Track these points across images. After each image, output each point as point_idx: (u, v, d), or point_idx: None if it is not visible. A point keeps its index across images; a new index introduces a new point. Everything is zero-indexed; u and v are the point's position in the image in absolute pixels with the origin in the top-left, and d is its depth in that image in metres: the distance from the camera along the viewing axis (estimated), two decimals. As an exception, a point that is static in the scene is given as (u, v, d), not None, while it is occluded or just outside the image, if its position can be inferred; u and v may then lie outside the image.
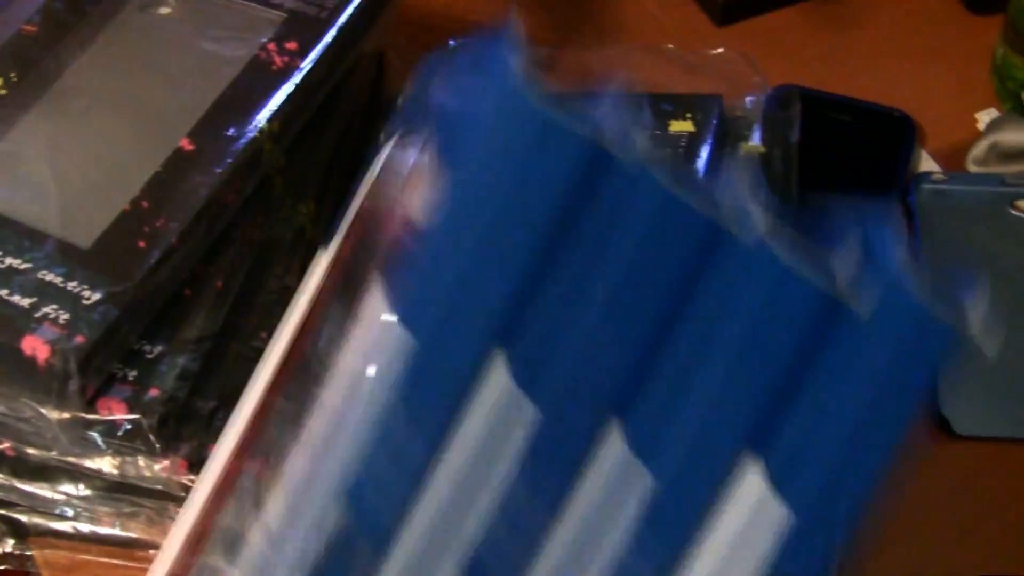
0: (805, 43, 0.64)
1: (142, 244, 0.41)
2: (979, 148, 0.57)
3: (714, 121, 0.51)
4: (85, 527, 0.44)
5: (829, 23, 0.65)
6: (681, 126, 0.51)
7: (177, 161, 0.43)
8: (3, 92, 0.45)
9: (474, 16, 0.67)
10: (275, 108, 0.44)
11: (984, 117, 0.59)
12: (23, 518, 0.45)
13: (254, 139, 0.43)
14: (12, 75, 0.46)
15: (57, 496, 0.43)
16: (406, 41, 0.58)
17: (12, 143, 0.44)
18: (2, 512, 0.45)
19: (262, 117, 0.44)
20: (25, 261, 0.41)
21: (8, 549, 0.46)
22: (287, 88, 0.45)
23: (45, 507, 0.44)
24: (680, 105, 0.52)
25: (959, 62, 0.62)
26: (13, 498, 0.44)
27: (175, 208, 0.41)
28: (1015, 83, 0.58)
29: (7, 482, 0.43)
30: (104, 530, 0.44)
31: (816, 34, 0.65)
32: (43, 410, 0.39)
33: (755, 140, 0.50)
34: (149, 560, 0.45)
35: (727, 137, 0.51)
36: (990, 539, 0.46)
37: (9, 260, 0.41)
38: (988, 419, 0.48)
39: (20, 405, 0.40)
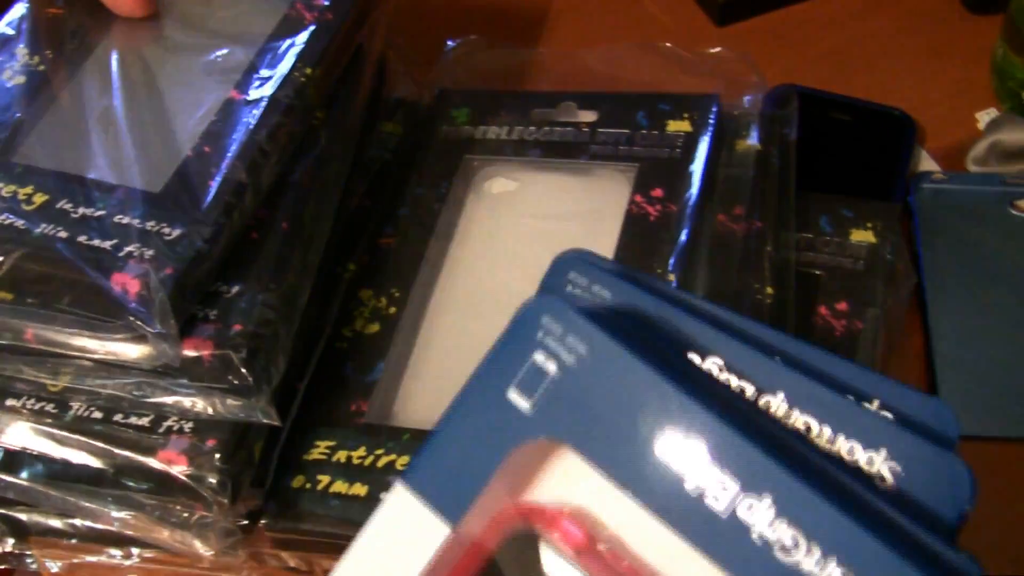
0: (805, 43, 0.64)
1: (211, 183, 0.42)
2: (979, 148, 0.57)
3: (711, 120, 0.51)
4: (85, 527, 0.44)
5: (829, 23, 0.65)
6: (678, 126, 0.51)
7: (230, 110, 0.45)
8: (42, 68, 0.47)
9: (473, 16, 0.68)
10: (313, 56, 0.47)
11: (984, 117, 0.59)
12: (23, 517, 0.45)
13: (299, 85, 0.46)
14: (48, 52, 0.47)
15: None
16: (406, 42, 0.58)
17: (60, 110, 0.46)
18: (2, 512, 0.45)
19: (302, 65, 0.46)
20: (98, 209, 0.41)
21: (8, 549, 0.46)
22: (321, 38, 0.48)
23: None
24: (677, 105, 0.52)
25: (959, 62, 0.62)
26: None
27: (237, 149, 0.43)
28: (1015, 83, 0.58)
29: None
30: (104, 529, 0.44)
31: (816, 34, 0.65)
32: (134, 347, 0.39)
33: (753, 139, 0.50)
34: (149, 560, 0.45)
35: (724, 136, 0.51)
36: (990, 539, 0.46)
37: (82, 210, 0.41)
38: (988, 419, 0.48)
39: (111, 345, 0.39)
